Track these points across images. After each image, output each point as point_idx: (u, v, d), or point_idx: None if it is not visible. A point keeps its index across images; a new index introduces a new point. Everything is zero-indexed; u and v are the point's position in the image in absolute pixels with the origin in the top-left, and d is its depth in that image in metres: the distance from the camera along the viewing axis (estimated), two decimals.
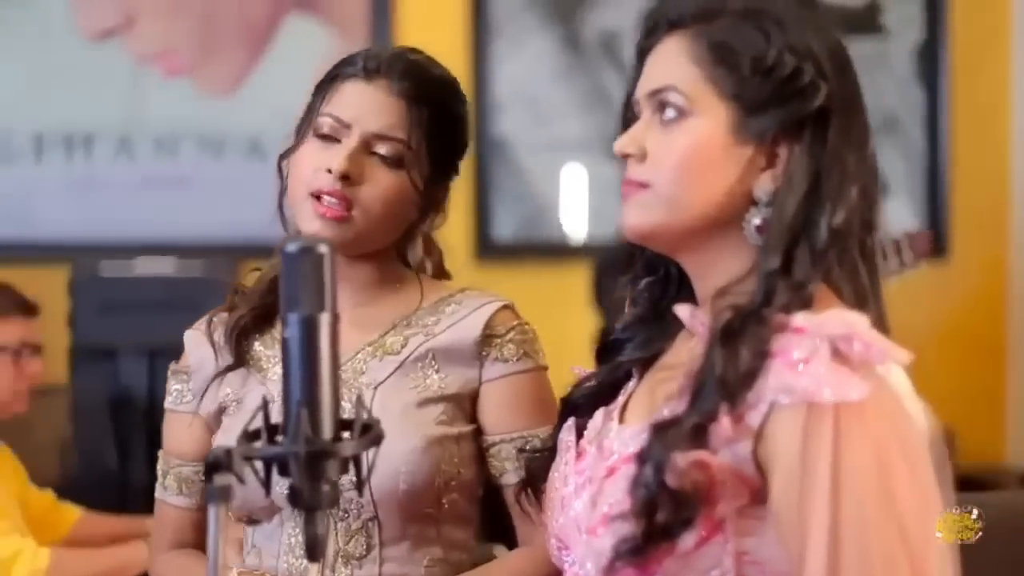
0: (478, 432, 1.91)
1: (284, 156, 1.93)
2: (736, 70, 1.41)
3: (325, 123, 1.86)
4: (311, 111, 1.91)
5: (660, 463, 1.32)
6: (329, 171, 1.82)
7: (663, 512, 1.31)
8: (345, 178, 1.82)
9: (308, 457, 1.33)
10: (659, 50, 1.46)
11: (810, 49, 1.40)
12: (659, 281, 1.56)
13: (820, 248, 1.38)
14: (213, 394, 1.93)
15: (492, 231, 4.67)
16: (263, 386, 1.89)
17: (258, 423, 1.37)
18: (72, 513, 3.19)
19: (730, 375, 1.32)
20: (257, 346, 1.93)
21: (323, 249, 1.35)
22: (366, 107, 1.85)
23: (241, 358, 1.92)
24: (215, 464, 1.31)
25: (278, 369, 1.87)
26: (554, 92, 4.69)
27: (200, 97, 4.51)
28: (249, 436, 1.37)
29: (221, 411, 1.93)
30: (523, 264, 4.61)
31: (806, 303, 1.35)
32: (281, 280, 1.34)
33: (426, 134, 1.87)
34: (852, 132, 1.42)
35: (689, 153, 1.41)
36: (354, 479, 1.75)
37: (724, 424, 1.31)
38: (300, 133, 1.91)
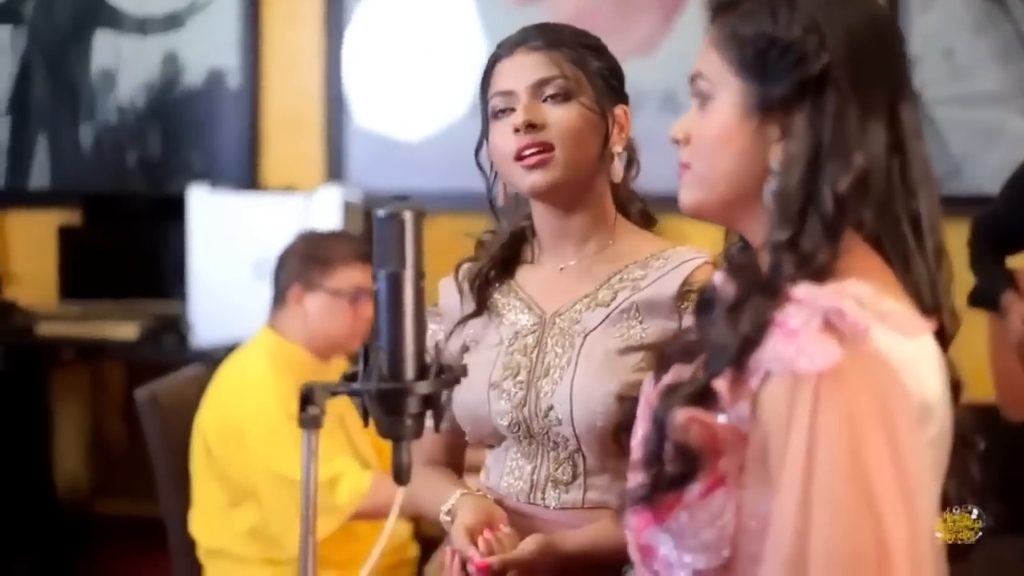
0: None
1: (477, 152, 2.15)
2: (744, 49, 1.48)
3: (495, 103, 2.07)
4: (483, 108, 2.12)
5: (662, 420, 1.44)
6: (516, 130, 2.03)
7: (669, 464, 1.42)
8: (531, 126, 2.02)
9: (381, 394, 1.53)
10: (703, 40, 1.56)
11: (815, 23, 1.44)
12: (743, 245, 1.64)
13: (829, 217, 1.42)
14: (459, 334, 2.17)
15: None
16: (499, 330, 2.10)
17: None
18: None
19: (730, 343, 1.40)
20: (496, 295, 2.15)
21: (406, 215, 1.55)
22: (517, 70, 2.06)
23: (482, 305, 2.15)
24: (306, 398, 1.55)
25: (511, 315, 2.12)
26: (972, 44, 4.59)
27: (620, 57, 4.70)
28: (349, 377, 1.59)
29: (465, 349, 2.16)
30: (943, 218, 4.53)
31: (818, 272, 1.40)
32: (374, 241, 1.55)
33: (577, 65, 2.06)
34: (859, 99, 1.44)
35: (712, 133, 1.50)
36: (560, 417, 1.97)
37: (721, 387, 1.40)
38: (483, 131, 2.13)
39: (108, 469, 5.38)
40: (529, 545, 1.96)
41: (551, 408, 2.01)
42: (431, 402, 1.56)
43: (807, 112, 1.44)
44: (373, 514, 2.94)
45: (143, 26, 5.20)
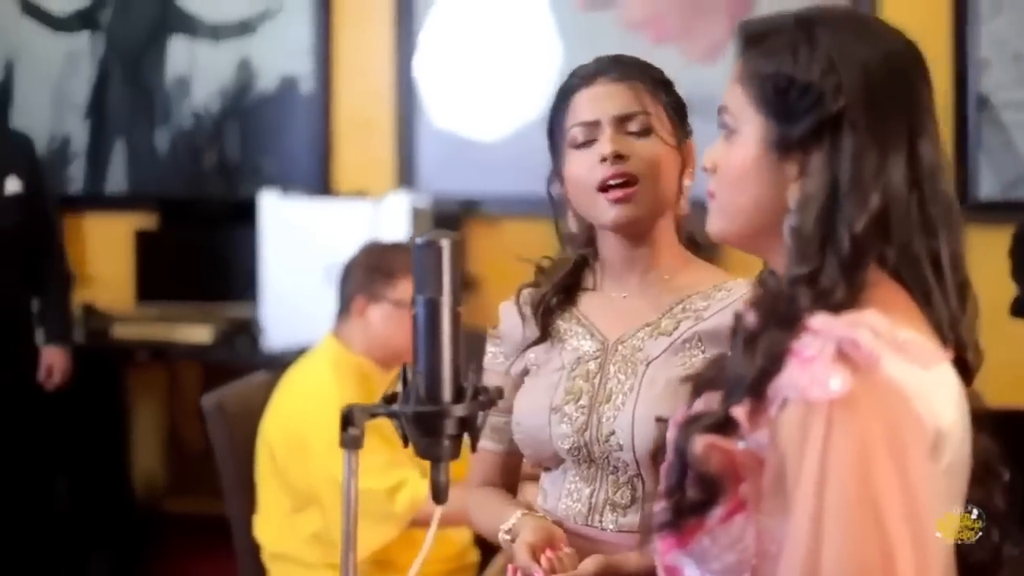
0: None
1: (551, 181, 2.17)
2: (766, 87, 1.50)
3: (576, 133, 2.09)
4: (555, 135, 2.14)
5: (682, 450, 1.48)
6: (603, 160, 2.05)
7: (690, 490, 1.46)
8: (619, 157, 2.05)
9: (418, 416, 1.58)
10: (730, 74, 1.59)
11: (832, 64, 1.46)
12: (772, 270, 1.67)
13: (846, 256, 1.44)
14: (521, 359, 2.21)
15: (976, 190, 4.63)
16: (561, 355, 2.15)
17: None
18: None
19: (747, 373, 1.44)
20: (559, 321, 2.19)
21: (443, 243, 1.59)
22: (600, 102, 2.08)
23: (545, 331, 2.18)
24: (347, 419, 1.61)
25: (574, 341, 2.14)
26: None
27: (687, 63, 4.73)
28: (388, 399, 1.64)
29: (525, 373, 2.20)
30: (1008, 224, 4.50)
31: (836, 307, 1.42)
32: (412, 267, 1.60)
33: (655, 99, 2.10)
34: (876, 139, 1.46)
35: (733, 166, 1.53)
36: (621, 443, 2.01)
37: (740, 416, 1.43)
38: (555, 159, 2.15)
39: (184, 469, 5.49)
40: (589, 565, 1.97)
41: (612, 433, 2.03)
42: (467, 424, 1.61)
43: (825, 152, 1.46)
44: (430, 522, 2.98)
45: (216, 32, 5.30)
